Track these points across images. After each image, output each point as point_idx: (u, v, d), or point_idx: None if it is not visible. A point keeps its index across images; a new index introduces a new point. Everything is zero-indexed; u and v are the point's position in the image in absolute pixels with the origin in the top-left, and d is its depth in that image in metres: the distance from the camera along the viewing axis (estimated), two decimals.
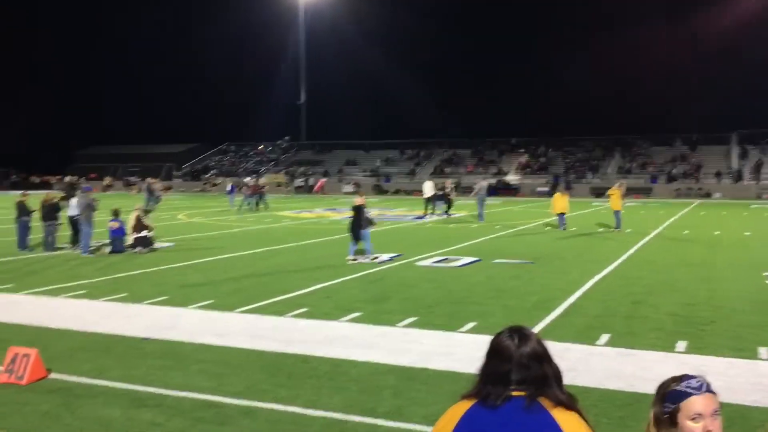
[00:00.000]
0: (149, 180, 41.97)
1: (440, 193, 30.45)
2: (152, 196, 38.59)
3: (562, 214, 22.95)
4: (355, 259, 15.42)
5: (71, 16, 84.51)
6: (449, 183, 31.86)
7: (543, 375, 2.26)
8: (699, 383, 2.13)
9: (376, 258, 15.69)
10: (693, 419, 2.09)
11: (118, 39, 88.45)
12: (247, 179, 39.29)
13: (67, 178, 45.25)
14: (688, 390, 2.13)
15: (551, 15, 76.61)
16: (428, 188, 30.61)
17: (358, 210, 15.64)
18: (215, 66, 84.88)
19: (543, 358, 2.30)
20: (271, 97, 79.50)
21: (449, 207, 30.30)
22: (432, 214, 29.99)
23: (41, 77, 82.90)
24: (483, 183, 29.29)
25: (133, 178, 65.45)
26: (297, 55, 71.31)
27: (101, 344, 8.47)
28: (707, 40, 62.51)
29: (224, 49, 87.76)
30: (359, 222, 15.59)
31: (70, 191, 41.25)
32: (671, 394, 2.15)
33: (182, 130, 77.16)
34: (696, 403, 2.10)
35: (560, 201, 23.02)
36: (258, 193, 36.07)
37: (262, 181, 38.52)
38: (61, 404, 6.35)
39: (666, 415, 2.16)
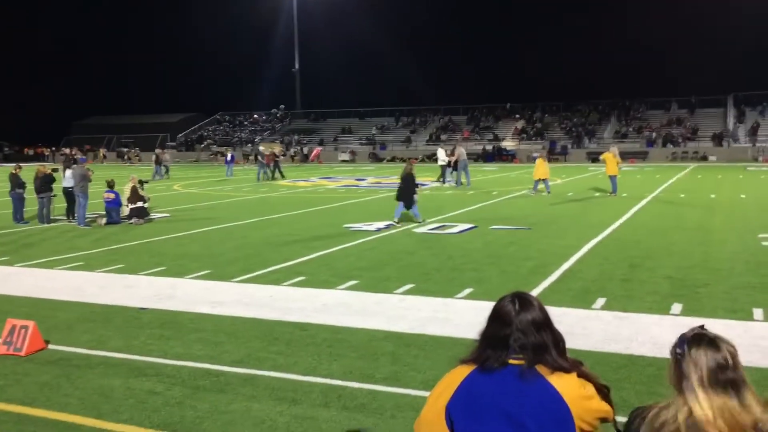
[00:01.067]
0: (158, 150, 41.46)
1: (448, 159, 29.65)
2: (161, 167, 38.08)
3: (545, 179, 23.22)
4: (398, 222, 16.12)
5: None
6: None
7: (542, 342, 2.26)
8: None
9: (424, 221, 16.36)
10: None
11: (113, 10, 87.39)
12: (263, 148, 38.60)
13: (68, 150, 44.99)
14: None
15: None
16: (442, 155, 30.34)
17: (411, 178, 16.31)
18: (209, 35, 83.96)
19: (542, 325, 2.30)
20: (266, 66, 78.87)
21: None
22: (449, 180, 29.39)
23: (36, 50, 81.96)
24: (461, 149, 29.05)
25: (125, 149, 65.05)
26: (290, 23, 70.51)
27: (99, 315, 8.49)
28: (704, 2, 61.94)
29: (218, 18, 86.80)
30: (412, 189, 16.25)
31: (70, 163, 41.15)
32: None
33: (177, 100, 76.71)
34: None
35: (542, 167, 23.26)
36: (274, 162, 35.88)
37: (278, 150, 37.87)
38: (61, 375, 6.38)
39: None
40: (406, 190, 16.19)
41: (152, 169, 38.91)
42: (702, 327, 2.14)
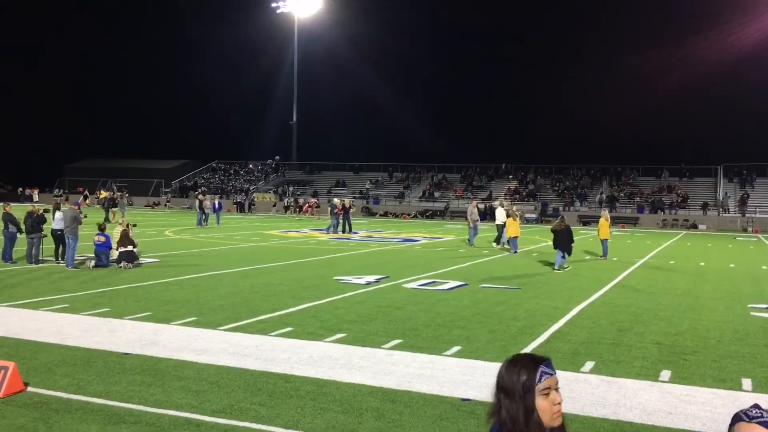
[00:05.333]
0: (200, 196, 40.34)
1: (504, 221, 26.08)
2: (204, 213, 36.57)
3: (515, 238, 23.62)
4: (558, 269, 18.83)
5: (65, 31, 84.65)
6: (514, 207, 27.55)
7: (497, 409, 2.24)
8: (756, 413, 2.12)
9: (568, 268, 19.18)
10: None
11: (112, 56, 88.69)
12: (336, 200, 35.71)
13: (107, 193, 44.23)
14: (741, 415, 2.13)
15: (542, 43, 77.53)
16: (501, 215, 26.58)
17: (569, 229, 19.47)
18: (208, 84, 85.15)
19: (502, 389, 2.25)
20: (263, 116, 79.84)
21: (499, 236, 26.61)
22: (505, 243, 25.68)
23: (33, 91, 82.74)
24: (472, 208, 28.86)
25: (113, 192, 64.78)
26: (290, 76, 71.68)
27: (81, 359, 8.35)
28: (697, 74, 63.41)
29: (218, 69, 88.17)
30: (570, 239, 19.40)
31: (111, 204, 40.55)
32: (733, 416, 2.15)
33: (172, 146, 77.26)
34: (740, 430, 2.10)
35: (513, 226, 23.52)
36: (345, 214, 33.76)
37: (347, 202, 36.02)
38: (38, 419, 6.24)
39: None
40: (565, 240, 19.08)
41: (198, 215, 36.91)
42: (757, 405, 2.13)
